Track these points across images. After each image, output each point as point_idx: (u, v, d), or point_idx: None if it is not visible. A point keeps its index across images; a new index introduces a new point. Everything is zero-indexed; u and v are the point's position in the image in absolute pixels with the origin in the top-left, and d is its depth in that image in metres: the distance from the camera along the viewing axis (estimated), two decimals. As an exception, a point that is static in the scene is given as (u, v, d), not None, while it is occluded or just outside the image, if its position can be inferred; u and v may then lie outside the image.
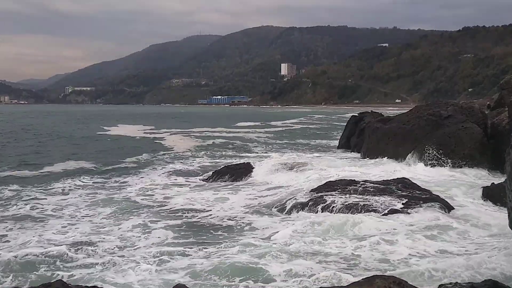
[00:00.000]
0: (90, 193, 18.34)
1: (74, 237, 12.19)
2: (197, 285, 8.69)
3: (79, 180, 20.94)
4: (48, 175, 22.74)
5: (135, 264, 9.92)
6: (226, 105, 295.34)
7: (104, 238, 12.06)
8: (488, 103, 29.08)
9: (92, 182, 20.77)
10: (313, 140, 42.92)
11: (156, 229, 12.97)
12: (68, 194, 18.26)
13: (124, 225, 13.47)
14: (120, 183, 20.77)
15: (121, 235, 12.41)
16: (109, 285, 8.69)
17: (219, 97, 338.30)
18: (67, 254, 10.60)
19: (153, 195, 17.84)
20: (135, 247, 11.30)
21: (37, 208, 15.76)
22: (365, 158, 24.46)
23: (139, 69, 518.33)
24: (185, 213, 14.95)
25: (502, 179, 12.19)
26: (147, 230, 12.80)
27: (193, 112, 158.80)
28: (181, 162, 27.15)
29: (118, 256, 10.49)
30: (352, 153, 28.97)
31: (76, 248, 11.06)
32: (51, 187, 19.45)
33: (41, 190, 18.79)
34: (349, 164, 22.34)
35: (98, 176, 22.24)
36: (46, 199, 17.24)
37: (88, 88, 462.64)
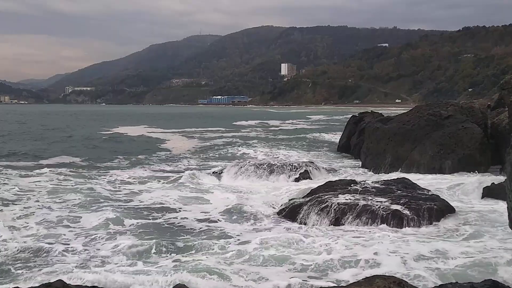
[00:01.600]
0: (63, 186, 18.80)
1: (32, 232, 12.19)
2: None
3: (61, 173, 21.73)
4: (34, 166, 24.09)
5: (98, 263, 9.87)
6: (229, 105, 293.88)
7: (64, 234, 12.07)
8: (488, 103, 28.94)
9: (73, 177, 21.04)
10: (312, 140, 42.78)
11: (122, 226, 12.81)
12: (40, 184, 18.95)
13: (84, 219, 13.35)
14: (100, 179, 21.00)
15: (81, 232, 12.30)
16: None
17: (219, 97, 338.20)
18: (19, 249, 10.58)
19: (120, 190, 18.07)
20: (98, 246, 11.16)
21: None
22: (365, 166, 23.92)
23: (139, 69, 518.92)
24: (152, 212, 14.69)
25: (502, 179, 12.13)
26: (109, 228, 12.62)
27: (195, 112, 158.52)
28: (168, 164, 26.87)
29: (82, 257, 10.36)
30: (353, 161, 27.13)
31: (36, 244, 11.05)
32: (32, 177, 20.59)
33: (21, 178, 20.16)
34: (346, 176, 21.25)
35: (82, 172, 22.79)
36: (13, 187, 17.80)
37: (88, 88, 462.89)
